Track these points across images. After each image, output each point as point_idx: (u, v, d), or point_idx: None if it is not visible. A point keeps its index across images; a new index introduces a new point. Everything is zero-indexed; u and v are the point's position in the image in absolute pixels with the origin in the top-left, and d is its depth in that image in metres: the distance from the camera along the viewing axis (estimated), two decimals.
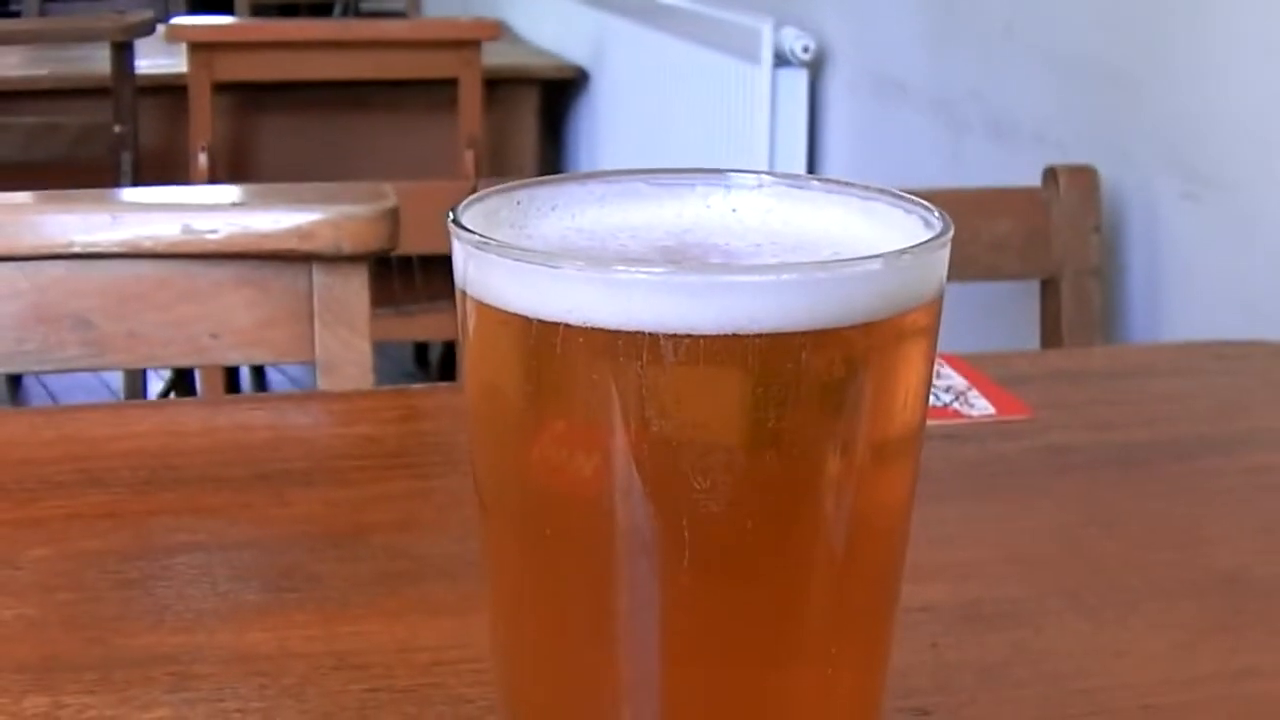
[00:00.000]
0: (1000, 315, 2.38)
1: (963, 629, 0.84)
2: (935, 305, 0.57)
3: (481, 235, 0.56)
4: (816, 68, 3.07)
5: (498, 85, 3.88)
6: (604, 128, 4.07)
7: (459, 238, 0.56)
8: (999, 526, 0.97)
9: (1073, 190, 2.07)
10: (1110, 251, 2.17)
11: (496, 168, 3.81)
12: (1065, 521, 0.98)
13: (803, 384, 0.53)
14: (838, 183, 0.62)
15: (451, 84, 3.55)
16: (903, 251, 0.55)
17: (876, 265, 0.54)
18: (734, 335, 0.52)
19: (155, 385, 3.79)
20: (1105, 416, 1.14)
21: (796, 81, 3.06)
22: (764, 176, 0.63)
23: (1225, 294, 2.01)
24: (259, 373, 3.97)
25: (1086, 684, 0.79)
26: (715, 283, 0.53)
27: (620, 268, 0.54)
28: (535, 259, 0.54)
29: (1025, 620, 0.85)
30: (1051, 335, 2.09)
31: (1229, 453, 1.08)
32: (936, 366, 1.19)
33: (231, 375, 3.46)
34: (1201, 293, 2.06)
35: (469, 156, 3.51)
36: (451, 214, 0.57)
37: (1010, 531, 0.96)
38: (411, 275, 3.32)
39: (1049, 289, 2.10)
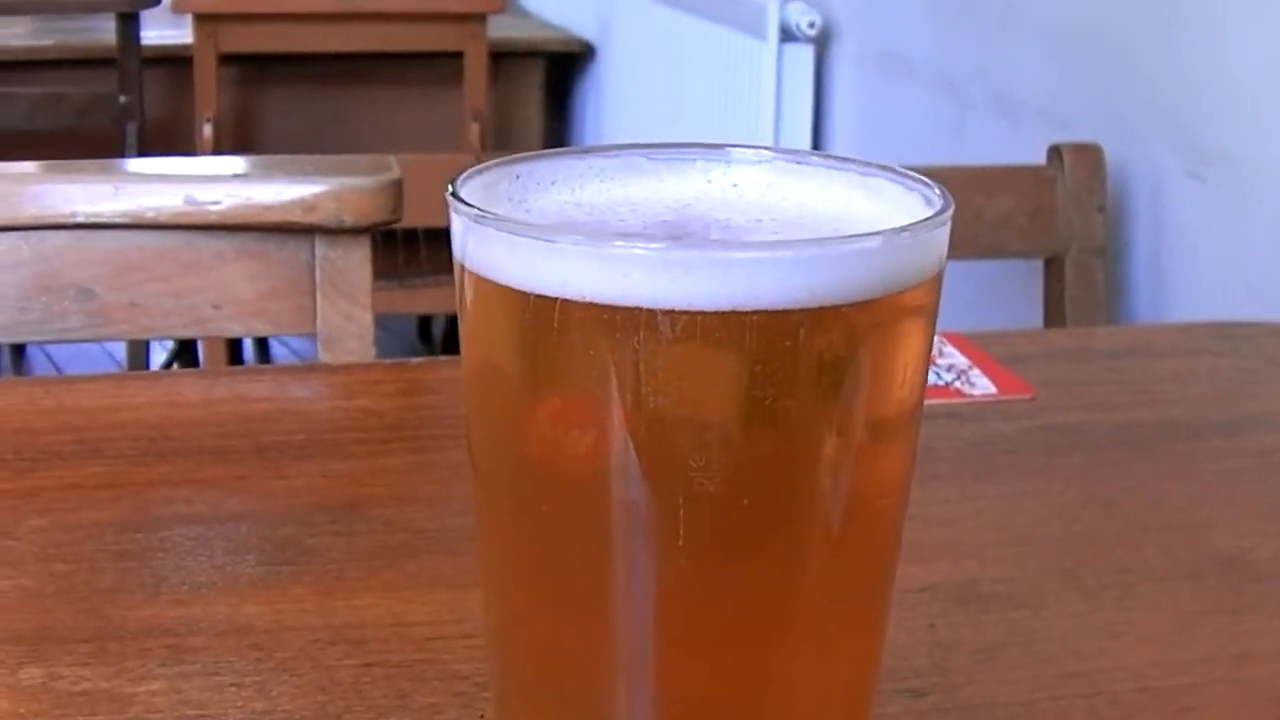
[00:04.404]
0: (1004, 293, 2.38)
1: (960, 610, 0.84)
2: (935, 283, 0.57)
3: (480, 209, 0.55)
4: (822, 43, 3.06)
5: (503, 58, 3.87)
6: (610, 102, 4.06)
7: (457, 211, 0.56)
8: (998, 507, 0.97)
9: (1077, 168, 2.06)
10: (1114, 230, 2.17)
11: (502, 141, 3.81)
12: (1064, 502, 0.98)
13: (800, 362, 0.53)
14: (838, 159, 0.61)
15: (457, 57, 3.54)
16: (902, 229, 0.54)
17: (875, 243, 0.54)
18: (731, 312, 0.52)
19: (159, 356, 3.79)
20: (1107, 397, 1.13)
21: (802, 57, 3.05)
22: (764, 152, 0.62)
23: (1230, 273, 2.00)
24: (262, 345, 3.97)
25: (1083, 666, 0.79)
26: (713, 259, 0.52)
27: (618, 243, 0.53)
28: (532, 233, 0.54)
29: (1023, 601, 0.85)
30: (1055, 314, 2.08)
31: (1231, 434, 1.08)
32: (939, 345, 1.20)
33: (234, 347, 3.46)
34: (1206, 272, 2.05)
35: (474, 130, 3.51)
36: (450, 187, 0.57)
37: (1009, 512, 0.96)
38: (416, 248, 3.31)
39: (1053, 267, 2.09)
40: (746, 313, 0.52)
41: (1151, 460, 1.04)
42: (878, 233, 0.54)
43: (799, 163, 0.62)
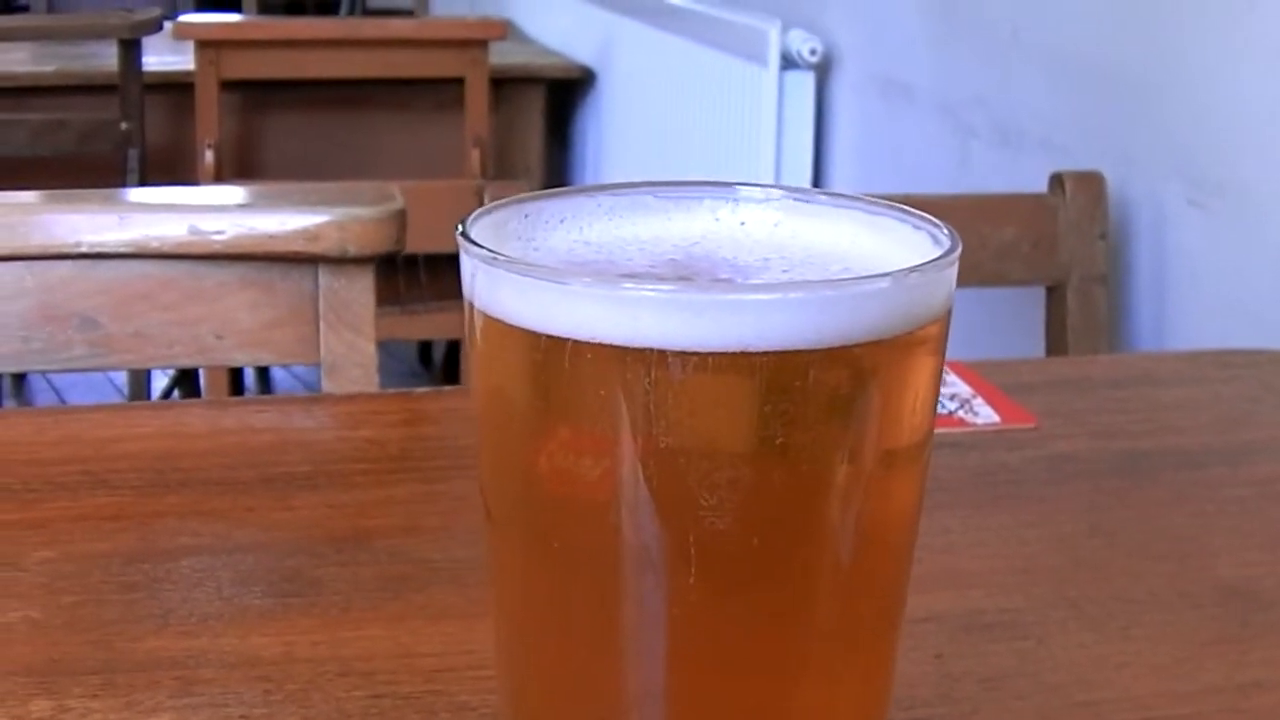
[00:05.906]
0: (1006, 321, 2.38)
1: (966, 639, 0.84)
2: (943, 321, 0.57)
3: (490, 250, 0.56)
4: (823, 70, 3.07)
5: (504, 84, 3.88)
6: (610, 128, 4.07)
7: (467, 251, 0.56)
8: (1003, 536, 0.97)
9: (1079, 196, 2.06)
10: (1116, 258, 2.17)
11: (502, 167, 3.81)
12: (1069, 531, 0.98)
13: (810, 401, 0.53)
14: (845, 196, 0.62)
15: (458, 83, 3.55)
16: (911, 270, 0.55)
17: (885, 284, 0.54)
18: (741, 353, 0.52)
19: (160, 382, 3.79)
20: (1109, 425, 1.14)
21: (803, 84, 3.06)
22: (771, 190, 0.63)
23: (1232, 301, 2.01)
24: (263, 371, 3.97)
25: (1088, 696, 0.79)
26: (722, 301, 0.53)
27: (628, 285, 0.54)
28: (543, 275, 0.54)
29: (1028, 631, 0.85)
30: (1057, 341, 2.09)
31: (1234, 463, 1.08)
32: (942, 374, 1.20)
33: (236, 373, 3.47)
34: (1208, 300, 2.05)
35: (475, 156, 3.51)
36: (461, 226, 0.57)
37: (1014, 541, 0.96)
38: (417, 274, 3.32)
39: (1055, 295, 2.10)
40: (756, 353, 0.52)
41: (1154, 489, 1.04)
42: (887, 274, 0.54)
43: (806, 201, 0.63)
